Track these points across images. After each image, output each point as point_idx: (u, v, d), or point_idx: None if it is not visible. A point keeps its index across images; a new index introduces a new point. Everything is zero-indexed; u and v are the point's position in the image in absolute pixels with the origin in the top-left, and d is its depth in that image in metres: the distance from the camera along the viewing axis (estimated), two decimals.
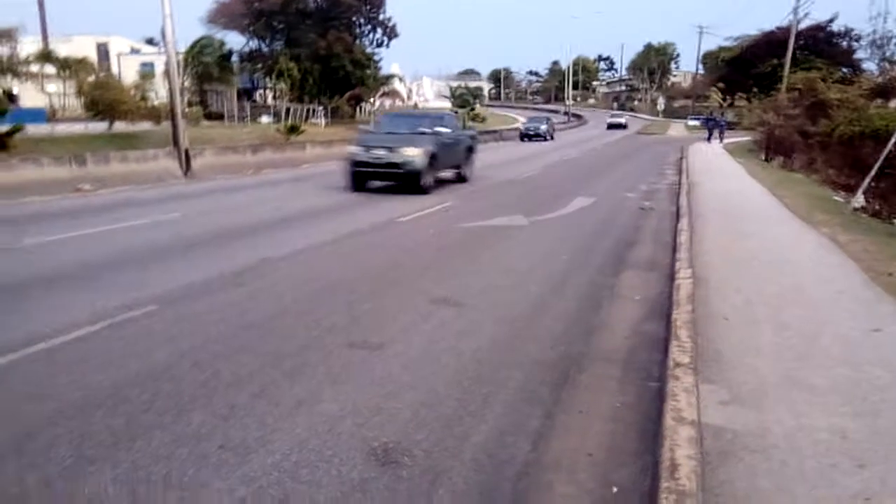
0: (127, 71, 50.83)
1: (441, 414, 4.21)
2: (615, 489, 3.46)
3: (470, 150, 18.65)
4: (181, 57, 37.77)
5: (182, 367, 4.84)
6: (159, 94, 47.35)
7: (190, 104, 40.12)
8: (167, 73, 21.27)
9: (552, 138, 45.88)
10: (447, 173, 17.63)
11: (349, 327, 5.84)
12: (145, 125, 30.27)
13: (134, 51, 63.70)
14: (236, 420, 4.06)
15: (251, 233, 10.36)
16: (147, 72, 54.83)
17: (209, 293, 6.86)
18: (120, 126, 29.07)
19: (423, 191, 15.00)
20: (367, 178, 15.55)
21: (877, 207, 14.10)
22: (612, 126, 67.42)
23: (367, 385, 4.61)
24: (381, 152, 15.03)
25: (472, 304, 6.62)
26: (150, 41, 73.34)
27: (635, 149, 36.82)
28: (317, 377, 4.73)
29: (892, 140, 12.79)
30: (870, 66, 43.90)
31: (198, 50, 42.08)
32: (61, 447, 3.70)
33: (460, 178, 18.01)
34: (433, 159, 15.33)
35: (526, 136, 46.12)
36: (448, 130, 16.85)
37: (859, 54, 52.82)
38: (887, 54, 37.58)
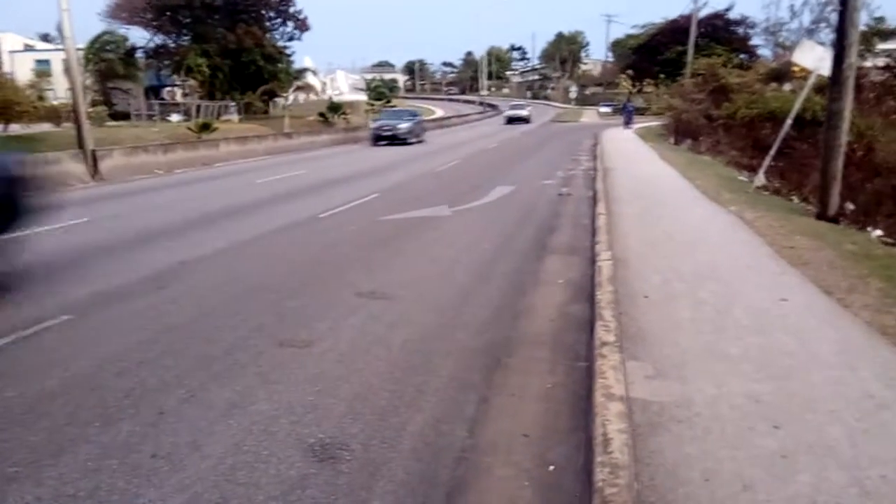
0: (21, 69, 48.18)
1: (376, 406, 4.22)
2: (552, 467, 3.56)
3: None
4: (82, 54, 35.99)
5: (104, 376, 4.66)
6: (58, 93, 45.09)
7: (94, 103, 38.37)
8: (67, 70, 20.20)
9: (420, 141, 32.50)
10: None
11: (277, 326, 5.76)
12: (45, 126, 28.78)
13: (28, 48, 60.45)
14: (166, 426, 3.95)
15: (167, 235, 10.01)
16: (43, 70, 52.09)
17: (127, 299, 6.62)
18: (16, 128, 27.48)
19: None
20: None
21: (777, 185, 14.93)
22: (512, 120, 53.95)
23: (299, 382, 4.56)
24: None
25: (401, 296, 6.63)
26: (45, 37, 69.66)
27: (550, 137, 37.54)
28: (247, 378, 4.65)
29: (788, 121, 13.54)
30: (765, 52, 46.26)
31: (99, 46, 40.17)
32: None
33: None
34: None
35: (380, 138, 30.94)
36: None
37: (755, 40, 55.57)
38: (780, 40, 39.68)
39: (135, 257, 8.55)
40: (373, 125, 33.60)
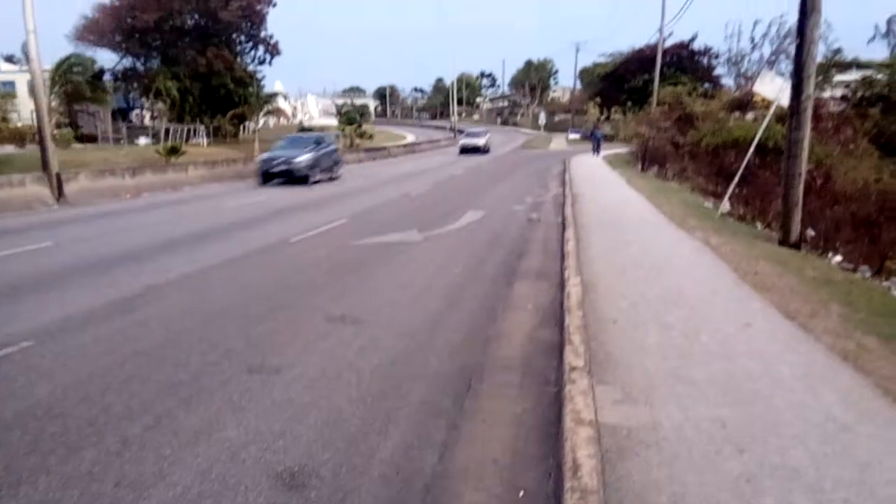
0: None
1: (346, 433, 4.19)
2: (522, 493, 3.57)
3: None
4: (48, 75, 35.56)
5: (67, 404, 4.57)
6: (22, 115, 44.34)
7: (59, 125, 37.79)
8: (32, 92, 19.93)
9: (332, 178, 25.47)
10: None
11: (246, 351, 5.70)
12: (8, 148, 28.27)
13: None
14: (131, 454, 3.88)
15: (133, 259, 9.88)
16: (7, 92, 51.25)
17: (92, 324, 6.50)
18: None
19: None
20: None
21: (741, 212, 15.26)
22: (466, 150, 45.85)
23: (268, 409, 4.52)
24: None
25: (371, 321, 6.62)
26: (9, 59, 68.60)
27: (520, 162, 37.91)
28: (215, 404, 4.59)
29: (751, 149, 13.89)
30: (728, 81, 47.56)
31: (66, 68, 39.68)
32: None
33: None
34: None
35: (270, 175, 23.32)
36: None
37: (719, 70, 57.12)
38: (742, 70, 40.90)
39: (100, 281, 8.41)
40: (261, 157, 25.07)
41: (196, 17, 51.73)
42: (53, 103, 37.94)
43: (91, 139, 42.30)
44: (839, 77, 32.27)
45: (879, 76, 28.59)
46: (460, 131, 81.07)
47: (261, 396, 4.73)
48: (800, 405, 4.18)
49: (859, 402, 4.21)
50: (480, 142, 46.61)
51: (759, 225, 13.80)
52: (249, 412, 4.47)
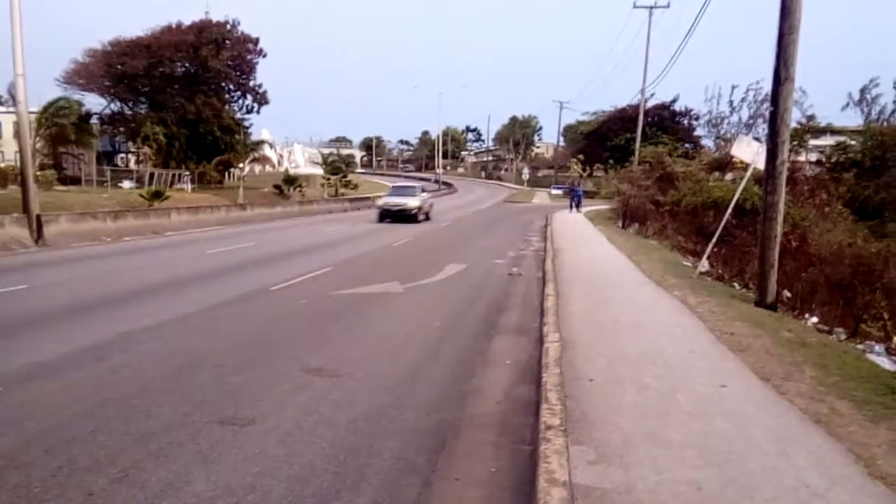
0: None
1: (317, 489, 4.12)
2: None
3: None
4: (34, 117, 35.63)
5: (31, 454, 4.46)
6: (7, 155, 44.25)
7: (42, 167, 37.65)
8: (18, 134, 19.95)
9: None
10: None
11: (219, 402, 5.62)
12: None
13: None
14: None
15: (110, 304, 9.78)
16: None
17: (63, 371, 6.39)
18: None
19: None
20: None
21: (719, 271, 15.45)
22: (388, 215, 29.44)
23: (239, 462, 4.44)
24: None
25: (349, 374, 6.57)
26: None
27: (503, 216, 38.28)
28: (185, 456, 4.50)
29: (729, 210, 14.15)
30: (708, 142, 48.63)
31: (53, 111, 39.82)
32: None
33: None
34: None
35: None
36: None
37: (699, 131, 58.42)
38: (721, 132, 41.87)
39: (74, 327, 8.31)
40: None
41: (186, 64, 52.37)
42: (38, 145, 37.95)
43: (75, 181, 42.20)
44: (814, 142, 33.16)
45: (853, 142, 29.46)
46: (446, 184, 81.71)
47: (232, 449, 4.65)
48: (773, 469, 4.18)
49: (832, 468, 4.22)
50: (411, 203, 29.75)
51: (736, 285, 13.96)
52: (220, 465, 4.39)
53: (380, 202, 31.50)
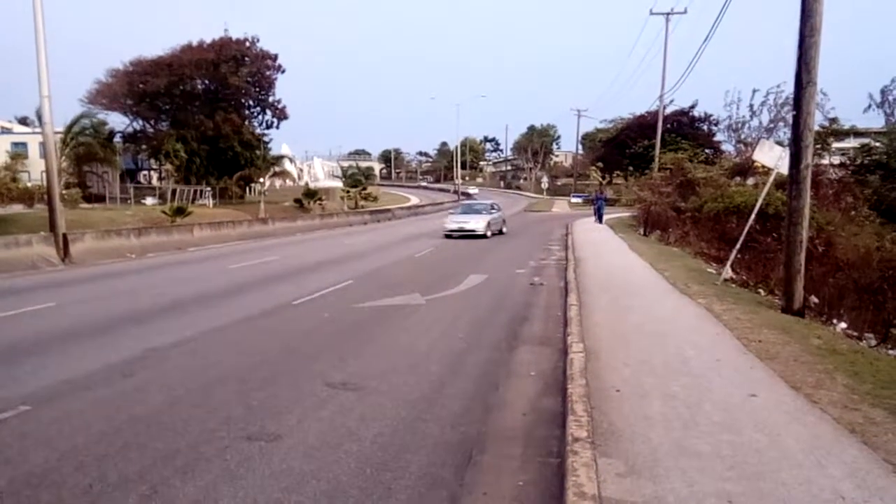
0: None
1: None
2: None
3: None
4: (59, 137, 36.24)
5: (62, 471, 4.50)
6: (33, 175, 45.07)
7: (68, 185, 38.31)
8: (44, 154, 20.32)
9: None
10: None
11: (245, 418, 5.64)
12: (17, 207, 28.58)
13: (5, 130, 60.82)
14: None
15: (135, 321, 9.88)
16: (18, 152, 52.25)
17: (91, 388, 6.46)
18: None
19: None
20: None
21: (744, 278, 15.25)
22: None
23: (266, 478, 4.44)
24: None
25: (373, 387, 6.56)
26: (23, 121, 70.19)
27: (523, 226, 38.18)
28: (212, 472, 4.51)
29: (752, 215, 13.99)
30: (728, 147, 48.14)
31: (78, 130, 40.50)
32: None
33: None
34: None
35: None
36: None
37: (719, 136, 57.87)
38: (742, 137, 41.42)
39: (101, 344, 8.39)
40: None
41: (206, 82, 53.15)
42: (64, 164, 38.58)
43: (99, 199, 42.89)
44: (837, 144, 32.71)
45: (877, 144, 29.01)
46: (465, 194, 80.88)
47: (259, 465, 4.66)
48: (807, 481, 4.10)
49: (867, 479, 4.13)
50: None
51: (761, 291, 13.77)
52: (247, 481, 4.39)
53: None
